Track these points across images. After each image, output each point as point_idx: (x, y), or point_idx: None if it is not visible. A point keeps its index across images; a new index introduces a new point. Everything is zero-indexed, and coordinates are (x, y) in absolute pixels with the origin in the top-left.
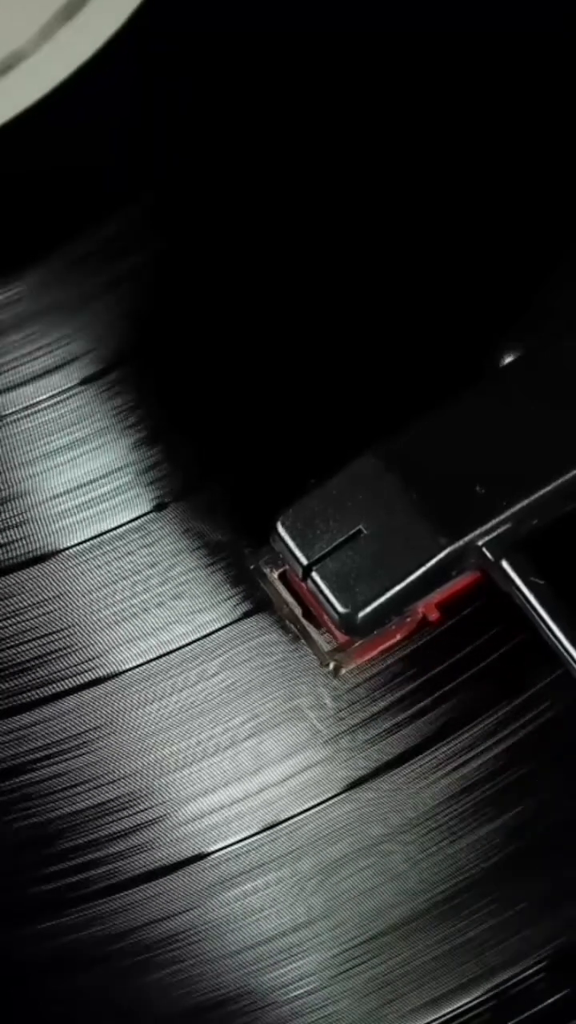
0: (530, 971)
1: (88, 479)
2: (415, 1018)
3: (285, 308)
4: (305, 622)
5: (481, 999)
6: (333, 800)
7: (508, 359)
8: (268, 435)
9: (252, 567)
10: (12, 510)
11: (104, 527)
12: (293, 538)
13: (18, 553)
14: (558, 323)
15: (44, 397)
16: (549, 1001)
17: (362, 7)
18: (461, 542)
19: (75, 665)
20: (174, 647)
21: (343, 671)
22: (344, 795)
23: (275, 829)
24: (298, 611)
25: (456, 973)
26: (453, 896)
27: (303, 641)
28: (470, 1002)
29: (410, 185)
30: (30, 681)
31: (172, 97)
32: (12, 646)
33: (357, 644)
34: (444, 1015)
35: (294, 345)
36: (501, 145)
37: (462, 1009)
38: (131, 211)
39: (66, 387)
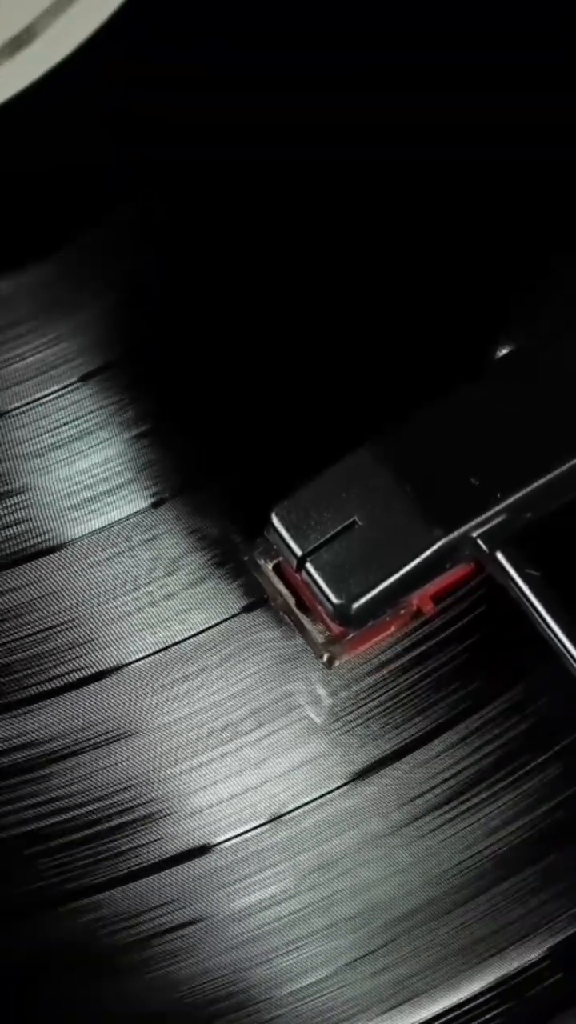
0: (536, 962)
1: (87, 475)
2: (421, 1010)
3: (283, 305)
4: (299, 613)
5: (487, 991)
6: (337, 792)
7: (503, 352)
8: (265, 431)
9: (247, 558)
10: (12, 505)
11: (102, 523)
12: (288, 529)
13: (17, 548)
14: (555, 319)
15: (43, 394)
16: (553, 992)
17: (361, 4)
18: (456, 534)
19: (76, 660)
20: (174, 641)
21: (337, 663)
22: (348, 787)
23: (279, 821)
24: (292, 602)
25: (461, 965)
26: (457, 888)
27: (297, 633)
28: (476, 994)
29: (408, 182)
30: (32, 675)
31: (172, 97)
32: (13, 640)
33: (351, 636)
34: (450, 1007)
35: (292, 341)
36: (500, 144)
37: (468, 1001)
38: (131, 209)
39: (65, 384)
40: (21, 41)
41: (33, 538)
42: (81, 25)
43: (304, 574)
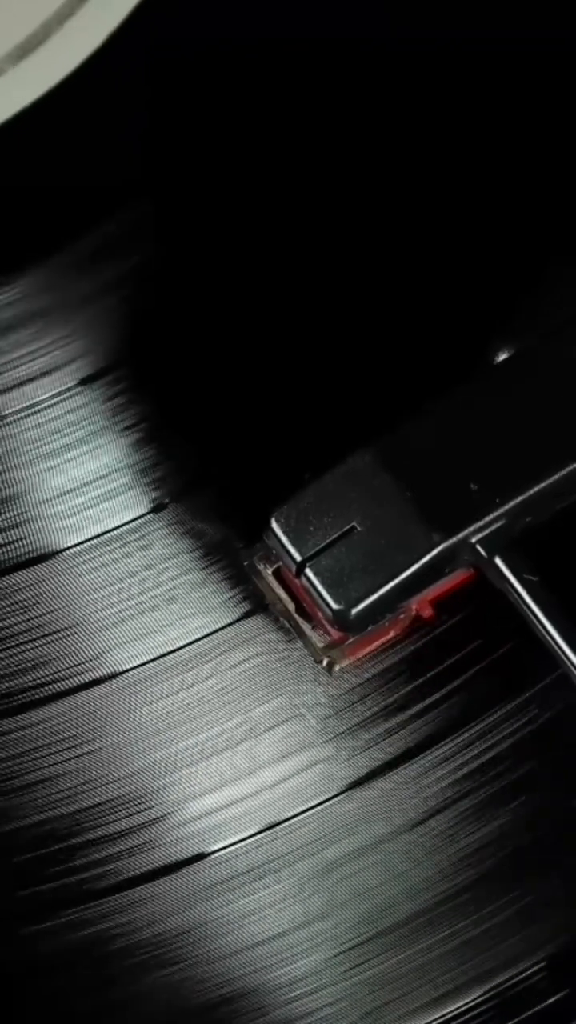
0: (531, 970)
1: (87, 480)
2: (416, 1018)
3: (283, 308)
4: (298, 618)
5: (482, 999)
6: (333, 800)
7: (502, 357)
8: (266, 435)
9: (246, 563)
10: (11, 510)
11: (103, 528)
12: (287, 534)
13: (17, 553)
14: (552, 321)
15: (43, 398)
16: (550, 1001)
17: (362, 9)
18: (455, 539)
19: (74, 665)
20: (174, 647)
21: (337, 668)
22: (344, 795)
23: (275, 829)
24: (291, 607)
25: (457, 973)
26: (453, 896)
27: (297, 638)
28: (471, 1002)
29: (407, 182)
30: (28, 681)
31: (173, 97)
32: (11, 646)
33: (350, 641)
34: (444, 1015)
35: (291, 345)
36: (497, 145)
37: (463, 1009)
38: (131, 212)
39: (65, 388)
40: (27, 48)
41: (33, 543)
42: (85, 37)
43: (303, 579)
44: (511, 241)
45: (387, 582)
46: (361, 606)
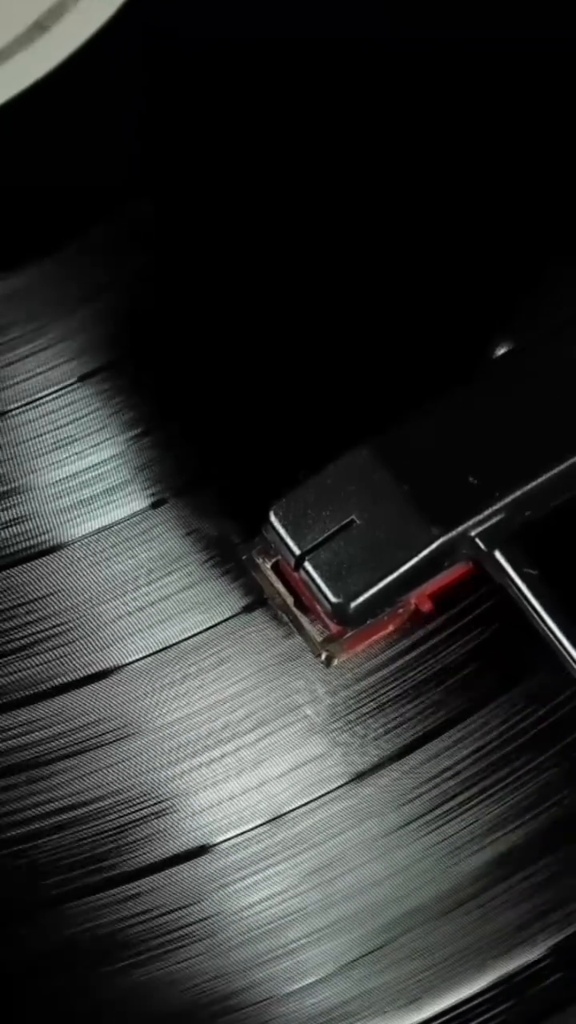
0: (536, 961)
1: (86, 475)
2: (421, 1010)
3: (282, 306)
4: (297, 612)
5: (487, 990)
6: (336, 791)
7: (501, 351)
8: (265, 431)
9: (244, 557)
10: (11, 505)
11: (102, 523)
12: (286, 528)
13: (16, 548)
14: (552, 318)
15: (42, 394)
16: (554, 990)
17: (364, 6)
18: (454, 533)
19: (76, 659)
20: (174, 641)
21: (335, 661)
22: (347, 787)
23: (279, 820)
24: (290, 601)
25: (462, 965)
26: (459, 887)
27: (296, 633)
28: (476, 994)
29: (406, 180)
30: (32, 675)
31: (171, 97)
32: (12, 639)
33: (349, 634)
34: (451, 1006)
35: (290, 341)
36: (498, 144)
37: (469, 1000)
38: (131, 210)
39: (64, 384)
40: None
41: (32, 538)
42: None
43: (302, 573)
44: (511, 241)
45: (386, 575)
46: (360, 599)
